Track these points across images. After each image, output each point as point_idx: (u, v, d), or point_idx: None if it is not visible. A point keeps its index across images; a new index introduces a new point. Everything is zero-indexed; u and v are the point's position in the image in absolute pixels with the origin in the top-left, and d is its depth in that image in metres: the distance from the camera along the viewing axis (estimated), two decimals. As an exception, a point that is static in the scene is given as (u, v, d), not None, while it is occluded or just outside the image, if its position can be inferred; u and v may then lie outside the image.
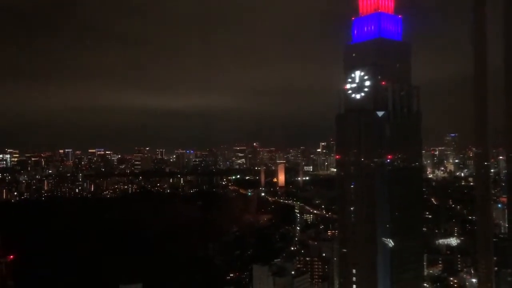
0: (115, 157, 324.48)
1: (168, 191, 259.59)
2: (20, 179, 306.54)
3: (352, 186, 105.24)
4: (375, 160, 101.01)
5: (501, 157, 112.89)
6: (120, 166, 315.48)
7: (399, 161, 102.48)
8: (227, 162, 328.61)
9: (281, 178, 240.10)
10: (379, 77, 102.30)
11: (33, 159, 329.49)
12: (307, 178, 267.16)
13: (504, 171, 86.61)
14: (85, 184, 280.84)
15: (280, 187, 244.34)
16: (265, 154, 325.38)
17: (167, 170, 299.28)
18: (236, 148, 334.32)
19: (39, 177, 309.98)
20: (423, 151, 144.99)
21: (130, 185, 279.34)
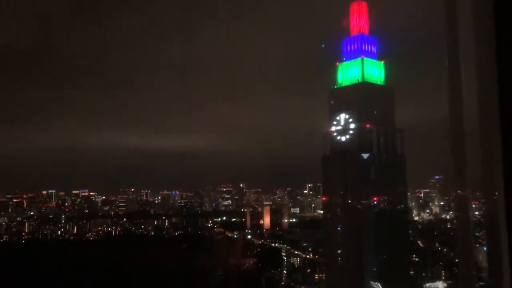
0: (99, 199, 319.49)
1: (153, 233, 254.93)
2: (0, 221, 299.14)
3: (339, 229, 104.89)
4: (362, 202, 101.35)
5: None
6: (104, 208, 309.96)
7: (385, 203, 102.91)
8: (213, 204, 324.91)
9: (267, 220, 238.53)
10: (363, 120, 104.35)
11: (14, 200, 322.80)
12: (294, 220, 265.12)
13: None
14: (67, 226, 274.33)
15: (267, 229, 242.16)
16: (252, 195, 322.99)
17: (151, 211, 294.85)
18: (222, 189, 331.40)
19: (20, 219, 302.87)
20: (409, 193, 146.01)
21: (114, 227, 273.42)
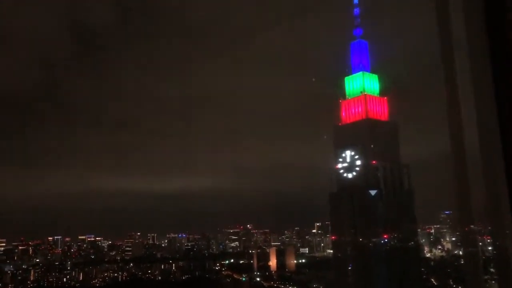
0: (105, 243, 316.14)
1: (160, 278, 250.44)
2: (6, 269, 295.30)
3: (349, 268, 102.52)
4: (372, 240, 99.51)
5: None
6: (111, 253, 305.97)
7: (395, 240, 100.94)
8: (220, 246, 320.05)
9: (275, 261, 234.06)
10: (369, 156, 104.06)
11: (20, 247, 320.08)
12: (303, 260, 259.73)
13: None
14: (73, 272, 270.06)
15: (275, 271, 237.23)
16: (259, 236, 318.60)
17: (158, 255, 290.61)
18: (229, 230, 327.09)
19: (25, 266, 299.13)
20: (419, 230, 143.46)
21: (120, 273, 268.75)
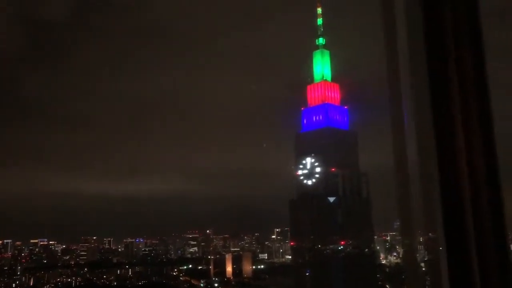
0: (59, 248, 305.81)
1: (115, 283, 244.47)
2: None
3: (307, 274, 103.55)
4: (330, 246, 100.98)
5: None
6: (65, 257, 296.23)
7: (352, 247, 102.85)
8: (179, 251, 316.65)
9: (235, 267, 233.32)
10: (329, 164, 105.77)
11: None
12: (262, 266, 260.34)
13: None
14: (23, 278, 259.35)
15: (234, 277, 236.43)
16: (219, 241, 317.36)
17: (114, 260, 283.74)
18: (188, 235, 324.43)
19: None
20: (375, 237, 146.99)
21: (74, 278, 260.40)
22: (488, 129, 2.31)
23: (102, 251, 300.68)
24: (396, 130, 2.75)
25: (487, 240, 2.22)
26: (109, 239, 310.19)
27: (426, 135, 2.42)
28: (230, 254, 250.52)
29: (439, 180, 2.26)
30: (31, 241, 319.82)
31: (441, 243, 2.32)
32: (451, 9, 2.42)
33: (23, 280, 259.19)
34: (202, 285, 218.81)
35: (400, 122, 2.69)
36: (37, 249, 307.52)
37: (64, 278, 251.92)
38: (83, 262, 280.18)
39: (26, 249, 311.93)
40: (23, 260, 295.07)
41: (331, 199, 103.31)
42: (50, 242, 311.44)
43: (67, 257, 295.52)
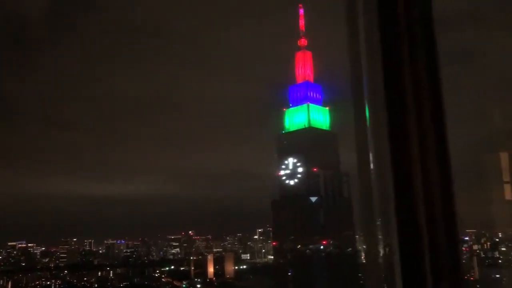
0: (38, 250, 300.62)
1: (96, 285, 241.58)
2: None
3: (289, 274, 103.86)
4: (311, 246, 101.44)
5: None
6: (44, 260, 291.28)
7: (334, 247, 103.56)
8: (161, 252, 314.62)
9: (218, 267, 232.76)
10: (311, 164, 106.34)
11: None
12: (244, 266, 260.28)
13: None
14: (1, 281, 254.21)
15: (217, 277, 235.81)
16: (201, 242, 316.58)
17: (95, 262, 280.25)
18: (170, 237, 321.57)
19: None
20: (357, 236, 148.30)
21: (53, 281, 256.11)
22: (442, 130, 2.37)
23: (83, 253, 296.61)
24: (358, 131, 2.76)
25: (440, 239, 2.29)
26: (89, 240, 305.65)
27: (382, 137, 2.45)
28: (212, 254, 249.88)
29: (393, 180, 2.32)
30: (9, 243, 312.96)
31: (394, 241, 2.38)
32: (405, 10, 2.46)
33: (1, 283, 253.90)
34: (184, 286, 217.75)
35: (362, 124, 2.70)
36: (15, 252, 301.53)
37: (43, 281, 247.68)
38: (63, 265, 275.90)
39: (3, 252, 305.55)
40: (1, 263, 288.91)
41: (313, 199, 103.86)
42: (29, 245, 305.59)
43: (47, 260, 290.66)
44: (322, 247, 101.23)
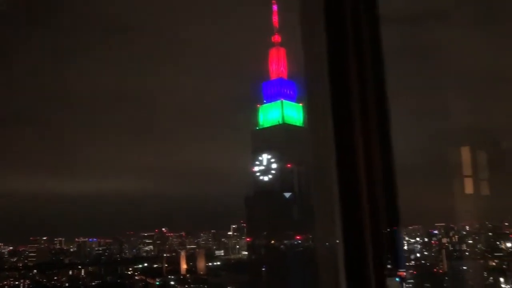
0: (5, 250, 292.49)
1: (67, 284, 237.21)
2: None
3: (263, 269, 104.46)
4: (285, 241, 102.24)
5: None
6: (12, 259, 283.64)
7: (308, 242, 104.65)
8: (134, 250, 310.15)
9: (192, 264, 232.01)
10: (285, 160, 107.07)
11: None
12: (218, 263, 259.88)
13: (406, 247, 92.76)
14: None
15: (191, 274, 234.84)
16: (175, 239, 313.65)
17: (66, 261, 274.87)
18: (143, 234, 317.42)
19: None
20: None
21: (22, 280, 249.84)
22: (386, 128, 2.45)
23: (53, 251, 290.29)
24: (312, 129, 2.88)
25: (382, 232, 2.31)
26: (60, 239, 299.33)
27: (327, 138, 2.56)
28: (185, 251, 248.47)
29: (338, 177, 2.37)
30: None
31: (338, 232, 2.45)
32: (351, 11, 2.55)
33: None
34: (157, 283, 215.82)
35: (313, 122, 2.83)
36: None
37: (11, 281, 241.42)
38: (32, 264, 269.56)
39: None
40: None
41: (287, 195, 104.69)
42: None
43: (15, 259, 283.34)
44: (296, 242, 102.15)
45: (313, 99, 2.87)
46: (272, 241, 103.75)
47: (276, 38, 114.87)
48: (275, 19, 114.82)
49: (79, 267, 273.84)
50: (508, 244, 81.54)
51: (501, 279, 74.78)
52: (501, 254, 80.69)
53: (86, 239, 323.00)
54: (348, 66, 2.49)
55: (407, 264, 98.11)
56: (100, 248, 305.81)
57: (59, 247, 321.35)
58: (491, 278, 76.15)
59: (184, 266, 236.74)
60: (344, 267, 2.36)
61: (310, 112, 2.91)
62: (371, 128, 2.41)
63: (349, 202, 2.36)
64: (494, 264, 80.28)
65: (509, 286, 72.64)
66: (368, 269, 2.31)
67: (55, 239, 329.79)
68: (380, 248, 2.30)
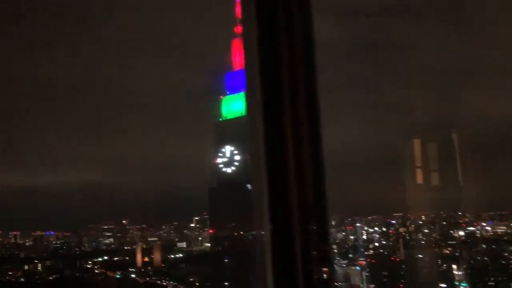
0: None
1: (23, 279, 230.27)
2: None
3: (226, 261, 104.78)
4: (249, 233, 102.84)
5: (358, 224, 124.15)
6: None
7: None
8: (93, 243, 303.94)
9: (152, 257, 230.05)
10: (248, 151, 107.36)
11: None
12: (180, 255, 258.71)
13: (361, 238, 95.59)
14: None
15: (152, 266, 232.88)
16: (136, 232, 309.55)
17: (22, 255, 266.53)
18: (103, 227, 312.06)
19: None
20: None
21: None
22: (315, 122, 2.42)
23: (7, 246, 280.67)
24: (252, 130, 2.84)
25: (310, 222, 2.35)
26: (15, 233, 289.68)
27: (260, 132, 2.52)
28: (141, 244, 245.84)
29: (267, 180, 2.37)
30: None
31: (266, 230, 2.46)
32: (283, 10, 2.49)
33: None
34: (118, 276, 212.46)
35: (255, 125, 2.76)
36: None
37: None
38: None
39: None
40: None
41: (250, 186, 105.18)
42: None
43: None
44: (260, 233, 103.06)
45: (250, 92, 2.79)
46: (237, 233, 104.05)
47: (239, 29, 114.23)
48: (237, 9, 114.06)
49: (36, 261, 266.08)
50: (461, 233, 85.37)
51: (454, 266, 78.47)
52: (454, 242, 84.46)
53: (43, 232, 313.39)
54: (280, 59, 2.45)
55: (366, 253, 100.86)
56: (58, 242, 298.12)
57: (14, 241, 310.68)
58: (445, 265, 79.79)
59: (148, 258, 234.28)
60: (271, 259, 2.43)
61: (248, 104, 2.86)
62: (302, 121, 2.41)
63: (277, 195, 2.40)
64: (447, 252, 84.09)
65: (461, 272, 76.23)
66: (296, 261, 2.36)
67: (10, 233, 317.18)
68: (307, 242, 2.35)
